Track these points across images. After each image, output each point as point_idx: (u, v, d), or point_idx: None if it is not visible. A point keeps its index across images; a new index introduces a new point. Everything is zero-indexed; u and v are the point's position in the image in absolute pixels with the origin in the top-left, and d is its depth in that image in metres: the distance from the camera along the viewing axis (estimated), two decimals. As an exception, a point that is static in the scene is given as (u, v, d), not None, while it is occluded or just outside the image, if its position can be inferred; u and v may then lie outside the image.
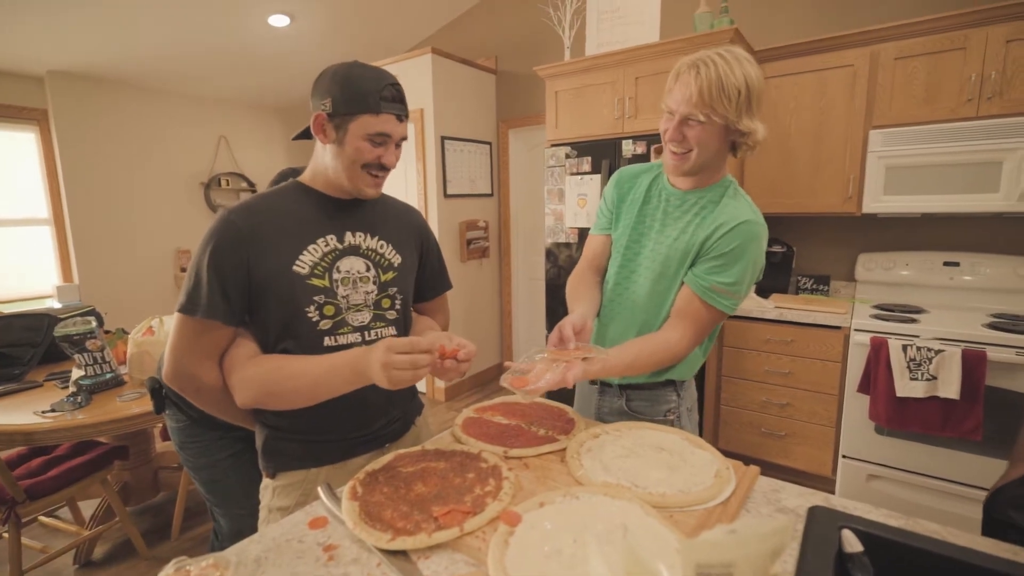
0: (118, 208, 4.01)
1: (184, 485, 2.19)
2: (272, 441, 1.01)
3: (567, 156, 2.75)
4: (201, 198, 4.51)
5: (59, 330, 1.86)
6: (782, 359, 2.37)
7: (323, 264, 0.97)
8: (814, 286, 2.73)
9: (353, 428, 1.03)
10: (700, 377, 2.55)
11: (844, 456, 2.23)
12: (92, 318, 1.96)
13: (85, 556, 2.05)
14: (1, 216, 3.64)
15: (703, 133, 1.03)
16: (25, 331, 2.27)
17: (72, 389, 1.89)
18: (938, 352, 1.90)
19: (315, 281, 0.95)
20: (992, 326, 1.97)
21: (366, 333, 1.01)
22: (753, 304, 2.47)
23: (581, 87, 2.75)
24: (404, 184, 3.67)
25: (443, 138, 3.52)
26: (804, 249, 2.81)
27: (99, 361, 1.94)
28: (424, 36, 4.18)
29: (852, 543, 0.68)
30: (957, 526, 0.74)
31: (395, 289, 1.06)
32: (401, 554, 0.71)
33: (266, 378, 0.91)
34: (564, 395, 1.46)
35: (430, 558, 0.70)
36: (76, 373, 1.95)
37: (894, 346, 1.99)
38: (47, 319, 2.30)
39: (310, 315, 0.95)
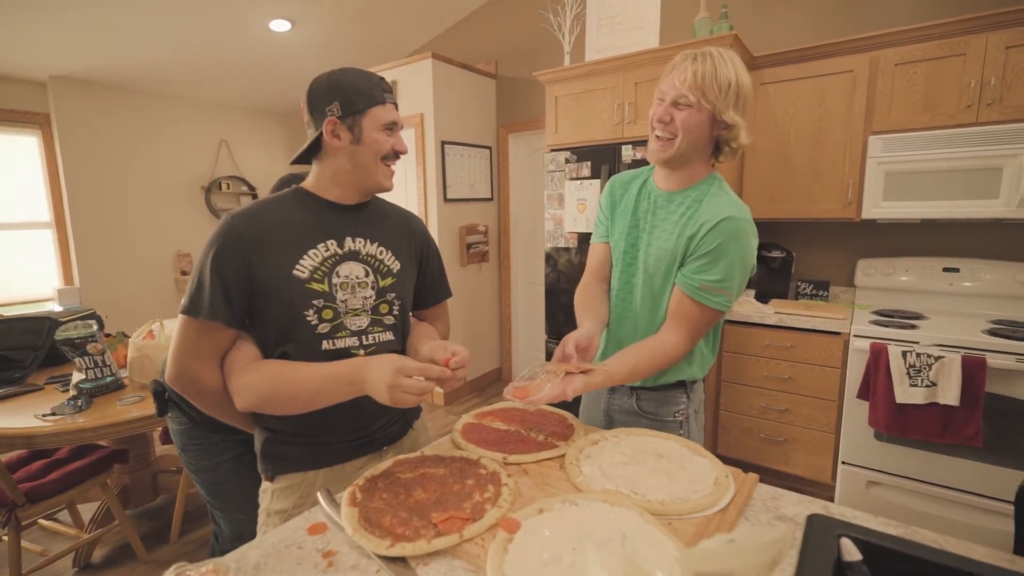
0: (119, 211, 4.03)
1: (183, 488, 2.19)
2: (271, 444, 1.02)
3: (567, 161, 2.76)
4: (202, 202, 4.53)
5: (60, 334, 1.87)
6: (781, 364, 2.37)
7: (323, 269, 0.98)
8: (814, 291, 2.73)
9: (351, 431, 1.04)
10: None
11: (844, 463, 2.23)
12: (93, 322, 1.97)
13: (84, 559, 2.05)
14: (3, 219, 3.65)
15: (690, 118, 1.06)
16: (26, 334, 2.27)
17: (72, 392, 1.90)
18: (938, 358, 1.90)
19: (314, 285, 0.96)
20: (992, 332, 1.97)
21: (363, 337, 1.02)
22: (752, 309, 2.48)
23: (581, 92, 2.76)
24: (404, 188, 3.68)
25: (443, 143, 3.53)
26: (804, 254, 2.81)
27: (100, 365, 1.95)
28: (425, 41, 4.20)
29: (851, 552, 0.68)
30: (958, 533, 0.74)
31: (393, 295, 1.07)
32: (400, 560, 0.71)
33: (266, 385, 0.92)
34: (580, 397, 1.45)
35: (429, 565, 0.70)
36: (77, 376, 1.95)
37: (894, 352, 1.99)
38: (48, 322, 2.31)
39: (309, 319, 0.96)
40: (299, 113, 4.40)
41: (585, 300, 1.27)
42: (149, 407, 1.79)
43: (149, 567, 2.02)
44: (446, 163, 3.57)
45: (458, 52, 3.90)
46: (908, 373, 1.96)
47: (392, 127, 1.00)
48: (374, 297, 1.04)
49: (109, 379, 1.96)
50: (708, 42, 2.31)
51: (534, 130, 3.77)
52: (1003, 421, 1.88)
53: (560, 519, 0.75)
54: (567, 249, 2.85)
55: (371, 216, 1.07)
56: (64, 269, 3.90)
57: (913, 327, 2.10)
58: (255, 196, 4.78)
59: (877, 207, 2.28)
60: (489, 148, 3.96)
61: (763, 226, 2.77)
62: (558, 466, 0.95)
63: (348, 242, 1.02)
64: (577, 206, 2.75)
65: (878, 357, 2.02)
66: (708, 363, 1.23)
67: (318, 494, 0.87)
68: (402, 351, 1.11)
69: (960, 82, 2.11)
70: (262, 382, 0.92)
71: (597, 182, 2.66)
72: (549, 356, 2.81)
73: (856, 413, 2.16)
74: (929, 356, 1.92)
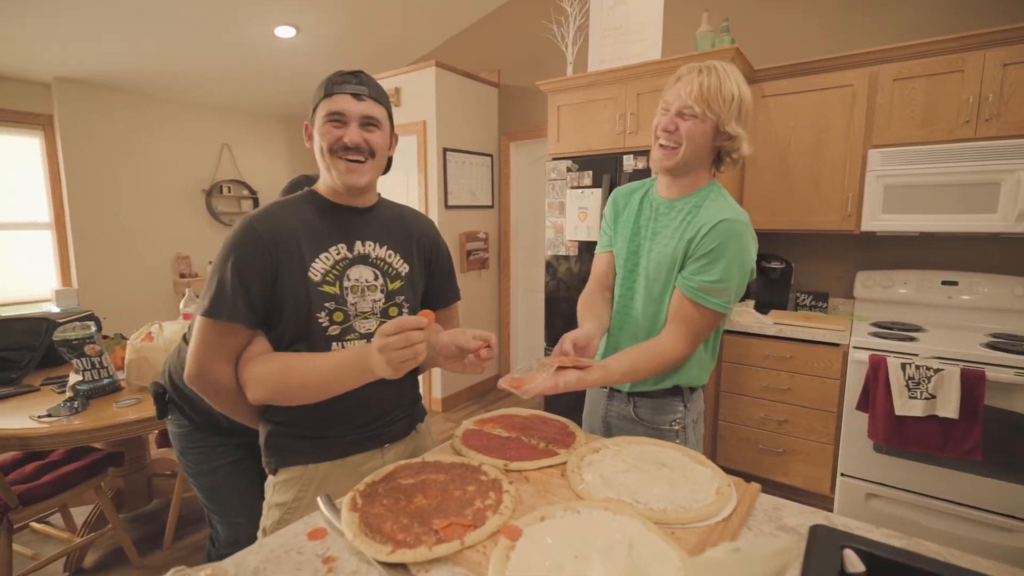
0: (119, 213, 4.03)
1: (178, 493, 2.17)
2: (274, 437, 1.03)
3: (568, 170, 2.78)
4: (202, 205, 4.53)
5: (58, 334, 1.86)
6: (781, 375, 2.37)
7: (334, 272, 0.99)
8: (813, 303, 2.74)
9: (355, 426, 1.04)
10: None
11: (843, 474, 2.22)
12: (91, 323, 1.96)
13: (76, 564, 2.02)
14: (2, 219, 3.65)
15: (695, 128, 1.10)
16: (23, 335, 2.26)
17: (69, 394, 1.88)
18: (937, 371, 1.91)
19: (326, 288, 0.98)
20: (991, 346, 1.98)
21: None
22: (752, 320, 2.48)
23: (583, 102, 2.78)
24: (406, 194, 3.69)
25: (445, 150, 3.55)
26: (803, 266, 2.82)
27: (97, 366, 1.93)
28: (428, 49, 4.23)
29: (854, 563, 0.68)
30: (957, 547, 0.74)
31: (402, 298, 1.08)
32: (401, 567, 0.70)
33: (276, 375, 0.93)
34: (574, 402, 1.47)
35: (430, 572, 0.70)
36: (74, 378, 1.94)
37: (893, 364, 1.99)
38: (46, 323, 2.29)
39: (320, 320, 0.98)
40: (302, 118, 4.43)
41: (588, 305, 1.29)
42: (145, 410, 1.78)
43: (142, 572, 2.00)
44: (448, 170, 3.58)
45: (461, 61, 3.93)
46: (907, 385, 1.96)
47: (337, 117, 0.96)
48: (383, 300, 1.05)
49: (106, 381, 1.95)
50: (710, 54, 2.33)
51: (535, 139, 3.79)
52: (1002, 435, 1.88)
53: (562, 527, 0.74)
54: (567, 257, 2.85)
55: (380, 219, 1.08)
56: (62, 270, 3.89)
57: (912, 339, 2.11)
58: (256, 200, 4.79)
59: (876, 220, 2.30)
60: (491, 156, 3.98)
61: (763, 237, 2.78)
62: (559, 474, 0.95)
63: (358, 246, 1.03)
64: (578, 214, 2.76)
65: (877, 369, 2.02)
66: (707, 368, 1.23)
67: (318, 499, 0.86)
68: None
69: (958, 98, 2.13)
70: (272, 372, 0.93)
71: (599, 191, 2.67)
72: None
73: (855, 425, 2.16)
74: (928, 368, 1.93)
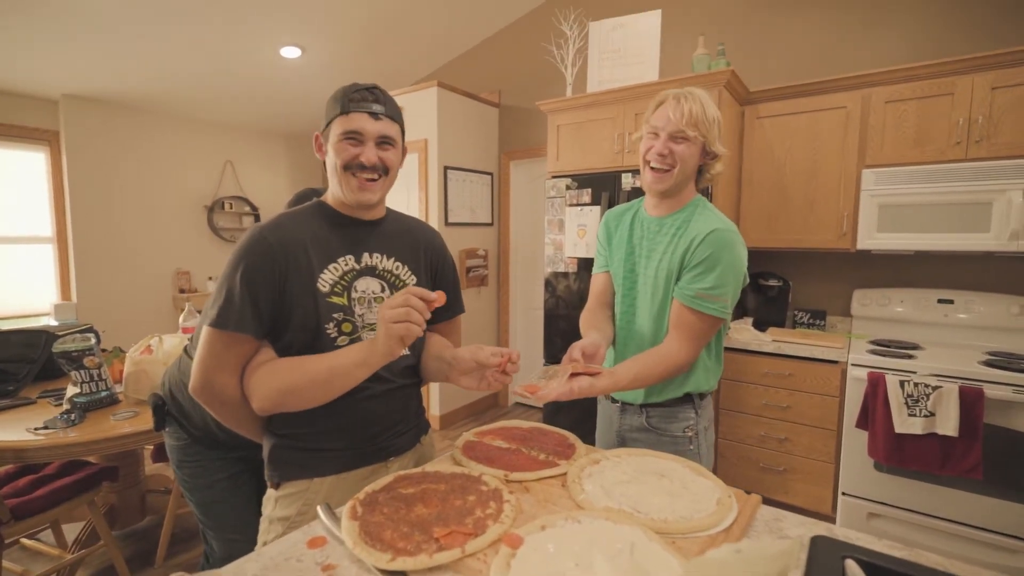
0: (121, 228, 4.05)
1: (172, 510, 2.14)
2: (278, 450, 1.02)
3: (567, 187, 2.81)
4: (204, 221, 4.56)
5: (58, 346, 1.86)
6: (780, 393, 2.37)
7: (342, 283, 1.00)
8: (811, 320, 2.75)
9: (359, 440, 1.03)
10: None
11: (844, 493, 2.20)
12: (91, 335, 1.96)
13: (66, 582, 1.98)
14: (5, 233, 3.66)
15: (687, 150, 1.18)
16: (22, 347, 2.25)
17: (66, 406, 1.87)
18: (935, 388, 1.91)
19: (335, 299, 0.98)
20: (988, 363, 1.99)
21: None
22: (750, 337, 2.49)
23: (582, 122, 2.83)
24: (406, 211, 3.71)
25: (446, 168, 3.60)
26: (800, 284, 2.84)
27: (95, 379, 1.93)
28: (431, 70, 4.32)
29: (856, 574, 0.68)
30: (959, 564, 0.73)
31: None
32: (401, 575, 0.70)
33: (282, 377, 0.93)
34: (576, 417, 1.47)
35: (430, 580, 0.69)
36: (71, 390, 1.93)
37: (891, 381, 1.99)
38: (44, 336, 2.29)
39: (329, 331, 0.98)
40: (305, 135, 4.47)
41: (591, 320, 1.34)
42: (142, 423, 1.77)
43: (133, 590, 1.96)
44: (448, 188, 3.62)
45: (463, 81, 4.01)
46: (906, 403, 1.96)
47: (354, 136, 0.96)
48: None
49: (104, 393, 1.94)
50: (706, 77, 2.38)
51: (535, 157, 3.84)
52: (1003, 453, 1.88)
53: (563, 535, 0.74)
54: (566, 274, 2.87)
55: (388, 231, 1.09)
56: (62, 284, 3.90)
57: (910, 357, 2.12)
58: (257, 216, 4.82)
59: (872, 238, 2.32)
60: (491, 174, 4.03)
61: (760, 255, 2.81)
62: (560, 484, 0.95)
63: (365, 257, 1.04)
64: (577, 231, 2.79)
65: (876, 386, 2.03)
66: (714, 373, 1.28)
67: (318, 508, 0.86)
68: (416, 364, 1.12)
69: (949, 120, 2.18)
70: (276, 374, 0.93)
71: (597, 208, 2.70)
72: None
73: (855, 443, 2.15)
74: (927, 386, 1.93)
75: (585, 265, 2.79)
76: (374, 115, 0.97)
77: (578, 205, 2.78)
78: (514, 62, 3.89)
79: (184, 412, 1.40)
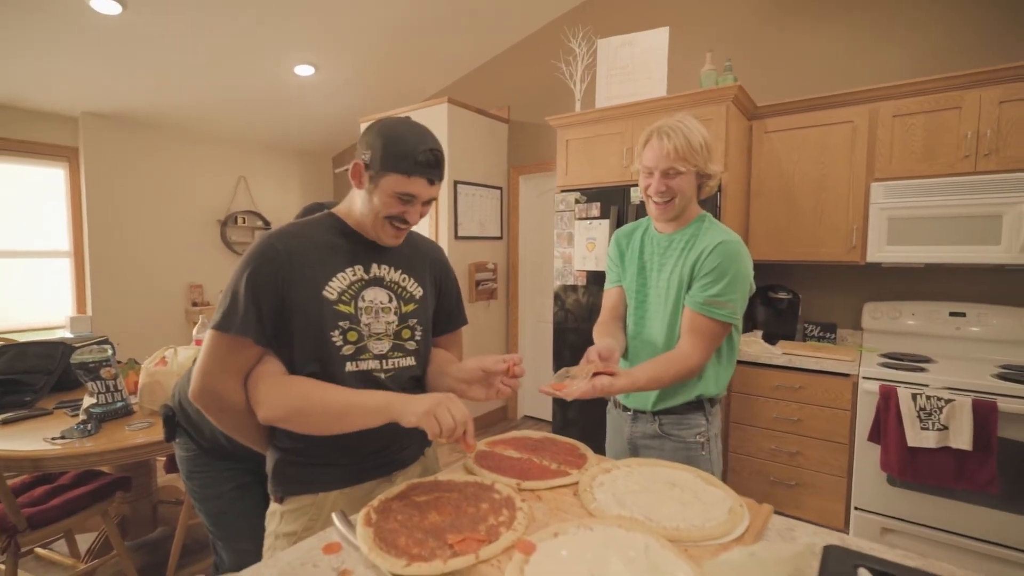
0: (136, 242, 4.13)
1: (183, 521, 2.15)
2: (282, 465, 1.02)
3: (576, 201, 2.84)
4: (217, 235, 4.64)
5: (76, 357, 1.89)
6: (791, 406, 2.36)
7: (350, 292, 1.02)
8: (821, 333, 2.74)
9: (364, 455, 1.04)
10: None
11: (856, 508, 2.17)
12: (108, 346, 1.99)
13: (78, 592, 2.00)
14: (24, 247, 3.75)
15: (683, 181, 1.26)
16: (39, 359, 2.29)
17: (83, 417, 1.90)
18: (948, 401, 1.89)
19: (341, 307, 1.00)
20: (1001, 376, 1.97)
21: (384, 361, 1.05)
22: (761, 350, 2.48)
23: (591, 136, 2.87)
24: (417, 225, 3.77)
25: (456, 182, 3.65)
26: (810, 297, 2.84)
27: (112, 389, 1.96)
28: (441, 87, 4.40)
29: (869, 582, 0.68)
30: None
31: (415, 320, 1.10)
32: (416, 580, 0.71)
33: (298, 398, 0.94)
34: (597, 426, 1.51)
35: (445, 585, 0.70)
36: (88, 401, 1.96)
37: (903, 395, 1.98)
38: (61, 347, 2.33)
39: (335, 339, 0.99)
40: (318, 152, 4.53)
41: (604, 330, 1.40)
42: (156, 433, 1.78)
43: (143, 601, 1.97)
44: (458, 202, 3.67)
45: (473, 97, 4.08)
46: (919, 416, 1.95)
47: (408, 198, 0.98)
48: (396, 322, 1.07)
49: (119, 404, 1.97)
50: (713, 92, 2.41)
51: (544, 172, 3.89)
52: (1018, 467, 1.85)
53: (576, 542, 0.75)
54: (575, 288, 2.88)
55: (396, 246, 1.11)
56: (78, 298, 3.97)
57: (922, 370, 2.10)
58: (268, 230, 4.89)
59: (881, 251, 2.32)
60: (500, 188, 4.08)
61: (770, 268, 2.82)
62: (571, 493, 0.95)
63: (374, 268, 1.06)
64: (587, 245, 2.81)
65: (888, 399, 2.01)
66: (724, 378, 1.33)
67: (333, 515, 0.87)
68: (422, 376, 1.13)
69: (957, 133, 2.19)
70: (293, 394, 0.94)
71: (606, 222, 2.72)
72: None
73: (868, 457, 2.12)
74: (939, 399, 1.91)
75: (594, 278, 2.80)
76: (430, 181, 1.00)
77: (587, 219, 2.80)
78: (523, 78, 3.95)
79: (193, 423, 1.42)
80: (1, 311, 3.66)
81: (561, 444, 1.18)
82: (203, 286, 4.52)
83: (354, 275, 1.03)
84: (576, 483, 0.98)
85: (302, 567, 0.76)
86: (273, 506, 1.04)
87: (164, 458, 2.46)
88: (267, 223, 4.89)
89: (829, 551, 0.75)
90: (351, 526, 0.83)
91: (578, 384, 1.07)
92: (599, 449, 1.29)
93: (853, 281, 2.72)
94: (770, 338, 2.72)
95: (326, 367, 0.98)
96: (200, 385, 0.95)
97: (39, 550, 2.07)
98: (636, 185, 2.64)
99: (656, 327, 1.34)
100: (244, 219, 4.74)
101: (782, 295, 2.76)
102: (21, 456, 1.65)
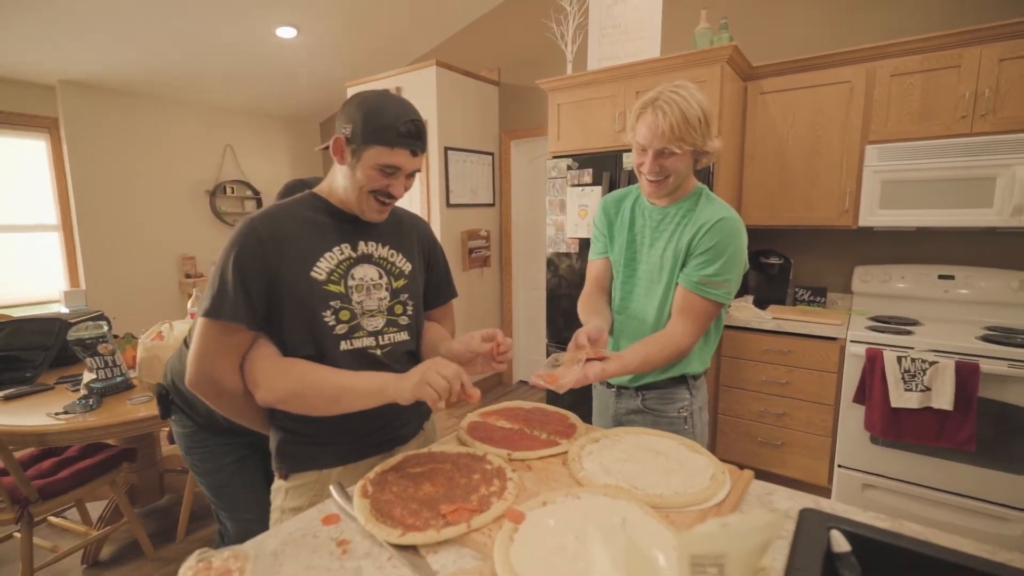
0: (125, 214, 4.08)
1: (190, 488, 2.22)
2: (286, 444, 1.05)
3: (568, 168, 2.81)
4: (206, 205, 4.58)
5: (72, 334, 1.91)
6: (779, 369, 2.41)
7: (339, 271, 1.01)
8: (811, 298, 2.77)
9: (366, 432, 1.07)
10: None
11: (840, 466, 2.26)
12: (104, 323, 2.01)
13: (93, 556, 2.08)
14: (11, 222, 3.70)
15: (678, 161, 1.17)
16: (36, 335, 2.31)
17: (83, 392, 1.93)
18: (932, 363, 1.94)
19: (331, 287, 1.00)
20: (985, 339, 2.01)
21: (380, 338, 1.06)
22: (751, 314, 2.51)
23: (583, 100, 2.81)
24: (408, 193, 3.72)
25: (446, 149, 3.59)
26: (801, 261, 2.85)
27: (110, 365, 1.98)
28: (429, 48, 4.26)
29: (840, 543, 0.71)
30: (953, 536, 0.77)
31: (406, 295, 1.11)
32: (411, 549, 0.75)
33: (295, 382, 0.95)
34: (574, 399, 1.52)
35: (439, 553, 0.74)
36: (87, 376, 1.99)
37: (889, 358, 2.02)
38: (58, 323, 2.34)
39: (327, 320, 0.99)
40: (304, 118, 4.42)
41: (589, 306, 1.36)
42: (156, 407, 1.82)
43: (156, 564, 2.05)
44: (449, 169, 3.62)
45: (462, 59, 3.96)
46: (903, 378, 2.00)
47: (391, 170, 0.97)
48: (388, 298, 1.08)
49: (119, 379, 2.00)
50: (708, 52, 2.35)
51: (536, 137, 3.82)
52: (996, 426, 1.92)
53: (563, 511, 0.79)
54: (568, 255, 2.89)
55: (381, 221, 1.10)
56: (70, 271, 3.95)
57: (909, 333, 2.14)
58: (259, 200, 4.83)
59: (873, 215, 2.32)
60: (491, 154, 4.01)
61: (761, 233, 2.82)
62: (561, 462, 0.99)
63: (361, 245, 1.06)
64: (578, 212, 2.80)
65: (874, 362, 2.06)
66: (707, 356, 1.31)
67: (331, 487, 0.90)
68: (416, 351, 1.15)
69: (955, 93, 2.16)
70: (290, 377, 0.95)
71: (599, 188, 2.70)
72: (550, 360, 2.84)
73: (852, 417, 2.19)
74: (924, 361, 1.96)
75: (586, 246, 2.80)
76: (413, 152, 0.99)
77: (579, 185, 2.78)
78: (513, 39, 3.83)
79: (188, 401, 1.44)
80: (-6, 286, 3.65)
81: (551, 414, 1.21)
82: (195, 258, 4.50)
83: (342, 254, 1.03)
84: (565, 453, 1.02)
85: (303, 538, 0.79)
86: (278, 482, 1.07)
87: (168, 429, 2.52)
88: (256, 193, 4.83)
89: (804, 514, 0.78)
90: (348, 498, 0.87)
91: (570, 374, 1.04)
92: (586, 421, 1.33)
93: (845, 245, 2.73)
94: (761, 303, 2.75)
95: (320, 348, 0.99)
96: (196, 372, 0.96)
97: (52, 519, 2.14)
98: (628, 151, 2.61)
99: (646, 304, 1.30)
100: (233, 189, 4.67)
101: (773, 260, 2.77)
102: (26, 431, 1.69)
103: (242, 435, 1.40)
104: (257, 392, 0.97)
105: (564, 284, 2.92)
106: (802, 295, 2.79)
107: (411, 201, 3.72)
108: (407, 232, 1.16)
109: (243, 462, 1.47)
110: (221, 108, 4.63)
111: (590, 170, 2.73)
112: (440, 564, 0.72)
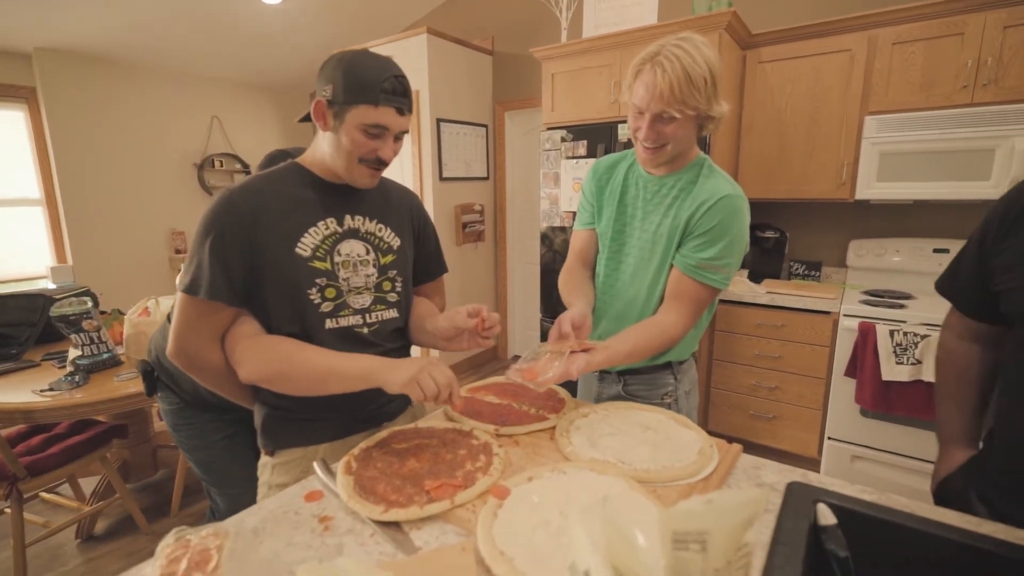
0: (111, 188, 3.99)
1: (182, 463, 2.23)
2: (271, 420, 1.03)
3: (563, 140, 2.75)
4: (195, 179, 4.48)
5: (55, 310, 1.87)
6: (772, 343, 2.41)
7: (324, 247, 0.97)
8: (806, 272, 2.76)
9: (353, 409, 1.04)
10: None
11: (829, 438, 2.28)
12: (87, 298, 1.97)
13: (87, 531, 2.09)
14: (-8, 196, 3.62)
15: (678, 128, 1.03)
16: (21, 311, 2.27)
17: (70, 368, 1.91)
18: (923, 337, 1.94)
19: (317, 264, 0.96)
20: (978, 312, 2.01)
21: (367, 315, 1.03)
22: (745, 289, 2.50)
23: (577, 70, 2.73)
24: (399, 167, 3.66)
25: (439, 120, 3.50)
26: (797, 235, 2.83)
27: (96, 341, 1.96)
28: (420, 15, 4.12)
29: (826, 516, 0.71)
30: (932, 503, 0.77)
31: (395, 272, 1.08)
32: (394, 525, 0.74)
33: (281, 361, 0.92)
34: (566, 381, 1.49)
35: (422, 529, 0.73)
36: (73, 353, 1.96)
37: (881, 331, 2.02)
38: (43, 299, 2.31)
39: (312, 297, 0.96)
40: (292, 88, 4.28)
41: (571, 283, 1.27)
42: (145, 384, 1.81)
43: (151, 538, 2.07)
44: (442, 141, 3.54)
45: (454, 27, 3.84)
46: (895, 351, 2.00)
47: (378, 131, 0.92)
48: (376, 275, 1.04)
49: (106, 355, 1.98)
50: (706, 18, 2.28)
51: (531, 108, 3.73)
52: (985, 398, 1.93)
53: (549, 486, 0.78)
54: (563, 228, 2.85)
55: (368, 193, 1.06)
56: (56, 247, 3.88)
57: (901, 306, 2.14)
58: (248, 174, 4.74)
59: (871, 188, 2.29)
60: (485, 126, 3.93)
61: (757, 206, 2.77)
62: (548, 437, 0.98)
63: (347, 220, 1.01)
64: (573, 185, 2.75)
65: (866, 336, 2.06)
66: (694, 342, 1.24)
67: (314, 464, 0.89)
68: (405, 327, 1.13)
69: (957, 62, 2.10)
70: (275, 357, 0.92)
71: (593, 161, 2.65)
72: (545, 335, 2.83)
73: (843, 390, 2.20)
74: (915, 335, 1.96)
75: (580, 219, 2.77)
76: (400, 111, 0.94)
77: (574, 158, 2.73)
78: (507, 5, 3.70)
79: (173, 378, 1.42)
80: (-22, 262, 3.59)
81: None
82: (185, 233, 4.43)
83: (327, 228, 0.98)
84: (554, 428, 1.01)
85: (284, 515, 0.78)
86: (264, 458, 1.06)
87: (157, 405, 2.51)
88: (246, 166, 4.73)
89: (791, 488, 0.78)
90: (332, 474, 0.86)
91: (551, 370, 0.95)
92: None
93: (841, 218, 2.70)
94: (756, 277, 2.74)
95: (305, 326, 0.96)
96: (176, 347, 0.94)
97: (44, 494, 2.14)
98: (624, 122, 2.55)
99: (635, 283, 1.18)
100: (221, 162, 4.57)
101: (769, 234, 2.75)
102: (12, 408, 1.67)
103: (230, 411, 1.38)
104: (240, 370, 0.94)
105: (559, 259, 2.89)
106: (797, 269, 2.78)
107: (403, 175, 3.65)
108: (396, 205, 1.11)
109: (231, 438, 1.47)
110: (206, 77, 4.49)
111: (585, 142, 2.68)
112: (423, 540, 0.71)
